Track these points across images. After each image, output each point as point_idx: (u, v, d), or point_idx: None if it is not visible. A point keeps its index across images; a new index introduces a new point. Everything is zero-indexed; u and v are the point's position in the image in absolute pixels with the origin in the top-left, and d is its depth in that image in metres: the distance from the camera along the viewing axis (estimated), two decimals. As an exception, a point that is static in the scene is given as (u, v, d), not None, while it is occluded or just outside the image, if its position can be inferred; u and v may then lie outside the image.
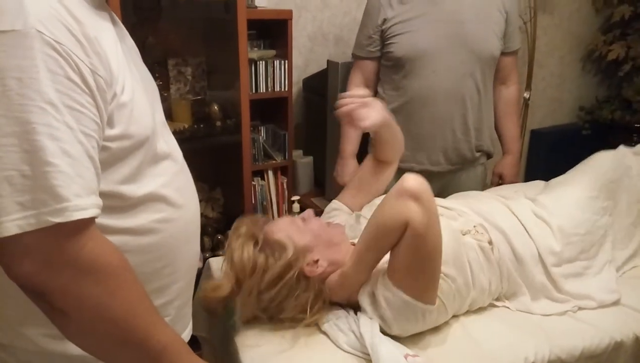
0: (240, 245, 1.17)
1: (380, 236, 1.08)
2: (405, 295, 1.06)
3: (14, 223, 0.59)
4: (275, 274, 1.12)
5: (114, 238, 0.70)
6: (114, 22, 0.80)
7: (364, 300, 1.14)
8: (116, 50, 0.73)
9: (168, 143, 0.86)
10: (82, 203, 0.62)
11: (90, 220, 0.64)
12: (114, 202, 0.72)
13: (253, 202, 2.15)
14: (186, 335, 0.95)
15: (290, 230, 1.18)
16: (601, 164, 1.48)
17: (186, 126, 1.88)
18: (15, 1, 0.60)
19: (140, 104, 0.76)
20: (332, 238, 1.21)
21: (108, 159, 0.70)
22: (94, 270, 0.65)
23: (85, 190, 0.63)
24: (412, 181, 1.06)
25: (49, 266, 0.62)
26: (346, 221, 1.40)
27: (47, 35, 0.60)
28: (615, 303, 1.27)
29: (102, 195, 0.67)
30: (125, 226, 0.75)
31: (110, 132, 0.70)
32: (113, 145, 0.71)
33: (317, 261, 1.15)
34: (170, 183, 0.82)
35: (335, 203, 1.49)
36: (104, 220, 0.68)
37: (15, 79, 0.59)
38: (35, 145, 0.59)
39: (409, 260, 1.05)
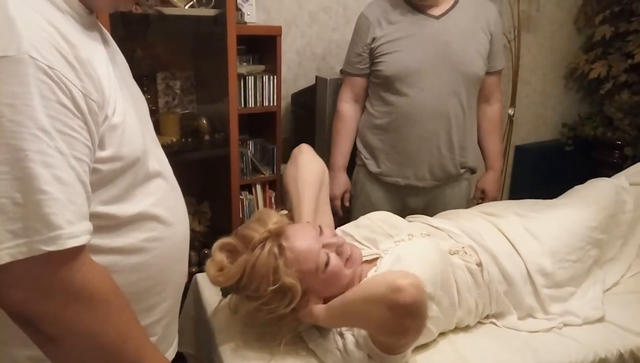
0: (267, 253, 1.08)
1: (362, 321, 1.04)
2: (375, 348, 1.05)
3: (6, 252, 0.58)
4: (271, 304, 1.11)
5: (103, 258, 0.70)
6: (104, 42, 0.80)
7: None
8: (108, 72, 0.73)
9: (160, 161, 0.86)
10: (74, 230, 0.62)
11: (82, 247, 0.64)
12: (103, 222, 0.72)
13: (241, 216, 2.14)
14: (172, 352, 0.94)
15: (310, 265, 1.10)
16: (605, 196, 1.50)
17: (174, 140, 1.88)
18: (8, 25, 0.60)
19: (132, 124, 0.76)
20: (343, 279, 1.15)
21: (99, 181, 0.70)
22: (86, 297, 0.64)
23: (77, 217, 0.63)
24: (409, 294, 0.90)
25: (41, 294, 0.61)
26: None
27: (40, 61, 0.60)
28: (600, 320, 1.29)
29: (92, 215, 0.67)
30: (114, 246, 0.74)
31: (101, 154, 0.70)
32: (104, 167, 0.70)
33: (313, 298, 1.14)
34: (161, 201, 0.82)
35: None
36: (93, 240, 0.68)
37: (7, 106, 0.58)
38: (28, 172, 0.59)
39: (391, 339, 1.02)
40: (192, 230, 2.09)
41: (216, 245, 1.14)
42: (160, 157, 0.87)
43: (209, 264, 1.12)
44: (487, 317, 1.29)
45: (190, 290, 1.45)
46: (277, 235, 1.11)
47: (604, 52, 2.93)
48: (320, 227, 1.17)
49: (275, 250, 1.09)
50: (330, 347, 1.13)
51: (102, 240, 0.72)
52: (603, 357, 1.18)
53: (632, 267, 1.51)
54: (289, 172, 1.36)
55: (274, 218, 1.14)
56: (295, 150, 1.39)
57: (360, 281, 1.19)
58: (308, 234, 1.13)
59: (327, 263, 1.11)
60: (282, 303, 1.09)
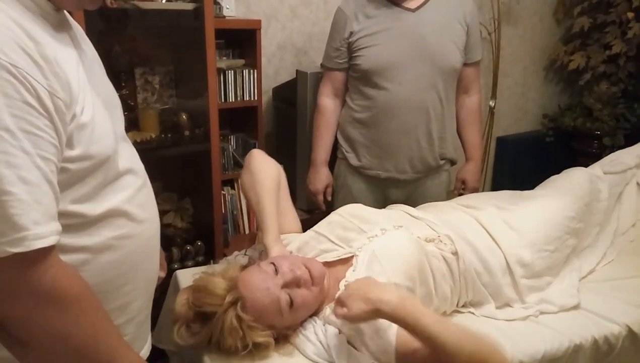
0: (229, 325, 1.05)
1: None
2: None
3: None
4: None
5: (72, 257, 0.69)
6: (74, 39, 0.78)
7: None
8: (77, 70, 0.72)
9: (130, 158, 0.85)
10: (41, 231, 0.61)
11: (51, 248, 0.63)
12: (72, 221, 0.71)
13: (223, 211, 2.13)
14: (146, 349, 0.94)
15: (274, 315, 1.08)
16: (581, 186, 1.52)
17: (153, 136, 1.86)
18: None
19: (101, 123, 0.75)
20: (313, 300, 1.14)
21: (68, 180, 0.69)
22: (55, 298, 0.64)
23: (45, 217, 0.62)
24: None
25: (9, 296, 0.61)
26: (304, 242, 1.33)
27: (3, 59, 0.59)
28: (576, 307, 1.32)
29: (61, 214, 0.66)
30: (84, 244, 0.74)
31: (70, 153, 0.69)
32: (73, 166, 0.70)
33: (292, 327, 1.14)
34: (132, 198, 0.81)
35: (285, 239, 1.35)
36: (61, 239, 0.68)
37: None
38: None
39: None
40: (173, 227, 2.11)
41: (174, 318, 1.11)
42: (130, 154, 0.87)
43: (175, 333, 1.10)
44: (464, 305, 1.30)
45: (170, 286, 1.45)
46: (233, 303, 1.06)
47: (582, 44, 2.97)
48: (273, 264, 1.11)
49: (235, 322, 1.05)
50: (311, 337, 1.14)
51: (71, 239, 0.72)
52: (578, 343, 1.21)
53: (607, 254, 1.54)
54: (245, 180, 1.34)
55: (221, 284, 1.09)
56: (247, 156, 1.38)
57: (336, 282, 1.19)
58: (262, 284, 1.07)
59: (291, 304, 1.08)
60: (261, 349, 1.09)
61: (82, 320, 0.66)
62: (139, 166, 0.89)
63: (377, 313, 0.99)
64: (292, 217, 1.43)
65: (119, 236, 0.78)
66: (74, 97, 0.69)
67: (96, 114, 0.74)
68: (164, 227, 2.06)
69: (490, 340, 0.99)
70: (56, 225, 0.64)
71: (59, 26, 0.74)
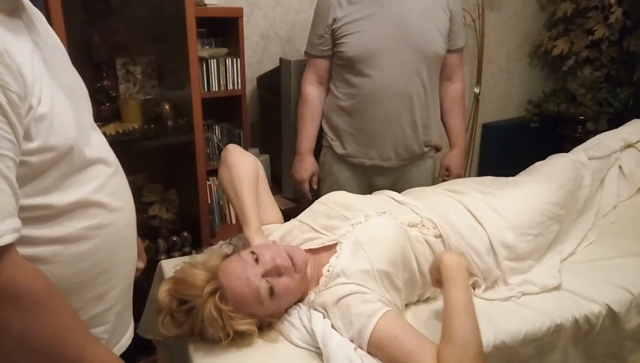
0: (209, 315, 1.05)
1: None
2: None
3: None
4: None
5: (43, 249, 0.68)
6: (29, 26, 0.75)
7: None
8: (31, 60, 0.70)
9: (98, 147, 0.83)
10: None
11: (8, 246, 0.62)
12: (39, 213, 0.70)
13: (209, 202, 2.13)
14: (127, 338, 0.93)
15: (254, 304, 1.08)
16: (564, 173, 1.53)
17: (136, 126, 1.84)
18: None
19: (62, 113, 0.73)
20: (296, 288, 1.15)
21: (29, 173, 0.68)
22: (15, 297, 0.62)
23: (1, 215, 0.60)
24: None
25: None
26: (287, 231, 1.33)
27: None
28: (557, 288, 1.33)
29: (26, 207, 0.65)
30: (54, 236, 0.73)
31: (28, 146, 0.67)
32: (33, 159, 0.68)
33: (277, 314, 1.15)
34: (103, 187, 0.80)
35: (267, 230, 1.35)
36: (31, 232, 0.66)
37: None
38: None
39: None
40: (159, 218, 2.10)
41: (158, 308, 1.10)
42: (98, 143, 0.85)
43: (160, 323, 1.09)
44: None
45: (155, 276, 1.45)
46: (212, 293, 1.06)
47: (566, 29, 2.98)
48: (254, 253, 1.11)
49: (214, 312, 1.04)
50: (295, 323, 1.15)
51: (40, 231, 0.71)
52: (559, 323, 1.22)
53: (589, 236, 1.56)
54: (223, 175, 1.34)
55: (201, 275, 1.08)
56: (223, 152, 1.37)
57: (319, 268, 1.20)
58: (241, 274, 1.07)
59: (272, 293, 1.08)
60: (245, 338, 1.08)
61: (44, 319, 0.65)
62: (110, 155, 0.87)
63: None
64: (272, 208, 1.43)
65: (91, 226, 0.77)
66: (28, 88, 0.67)
67: (55, 104, 0.72)
68: (149, 218, 2.07)
69: None
70: (13, 223, 0.62)
71: (12, 12, 0.71)
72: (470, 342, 0.99)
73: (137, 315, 1.32)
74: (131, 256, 0.90)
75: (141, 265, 1.11)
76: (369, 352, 1.03)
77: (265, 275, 1.08)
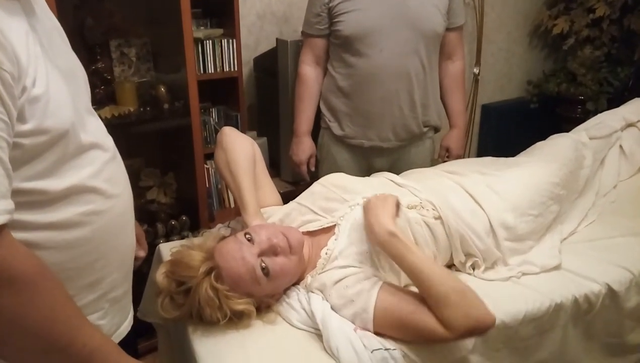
0: (205, 296, 1.05)
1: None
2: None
3: None
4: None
5: (37, 235, 0.67)
6: (26, 7, 0.73)
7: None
8: (26, 41, 0.68)
9: (95, 132, 0.82)
10: None
11: (0, 228, 0.61)
12: (33, 198, 0.69)
13: (207, 185, 2.12)
14: (126, 325, 0.93)
15: (250, 284, 1.07)
16: (566, 153, 1.52)
17: (132, 110, 1.82)
18: None
19: (58, 96, 0.71)
20: (292, 268, 1.14)
21: (22, 156, 0.66)
22: (8, 279, 0.61)
23: None
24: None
25: None
26: (286, 214, 1.32)
27: None
28: (557, 267, 1.33)
29: (20, 192, 0.63)
30: (48, 221, 0.71)
31: (22, 127, 0.65)
32: (26, 141, 0.66)
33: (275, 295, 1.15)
34: (99, 173, 0.79)
35: (265, 212, 1.35)
36: (24, 217, 0.65)
37: None
38: None
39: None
40: (158, 203, 2.08)
41: (157, 291, 1.10)
42: (96, 127, 0.83)
43: (159, 306, 1.09)
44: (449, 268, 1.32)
45: (154, 260, 1.44)
46: (208, 273, 1.06)
47: (566, 7, 2.94)
48: (247, 233, 1.10)
49: (210, 291, 1.04)
50: (295, 305, 1.15)
51: (34, 216, 0.69)
52: (559, 302, 1.22)
53: (589, 215, 1.55)
54: (219, 158, 1.32)
55: (197, 256, 1.08)
56: (218, 135, 1.35)
57: (318, 250, 1.19)
58: (237, 254, 1.07)
59: (267, 272, 1.08)
60: (243, 318, 1.09)
61: (37, 302, 0.64)
62: (107, 140, 0.85)
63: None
64: (270, 190, 1.42)
65: (87, 212, 0.76)
66: (23, 68, 0.65)
67: (51, 86, 0.70)
68: (148, 203, 2.06)
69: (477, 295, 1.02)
70: (7, 204, 0.61)
71: None
72: (459, 290, 1.01)
73: (138, 299, 1.32)
74: (129, 243, 0.89)
75: (142, 253, 1.10)
76: (375, 324, 1.04)
77: (261, 254, 1.08)
